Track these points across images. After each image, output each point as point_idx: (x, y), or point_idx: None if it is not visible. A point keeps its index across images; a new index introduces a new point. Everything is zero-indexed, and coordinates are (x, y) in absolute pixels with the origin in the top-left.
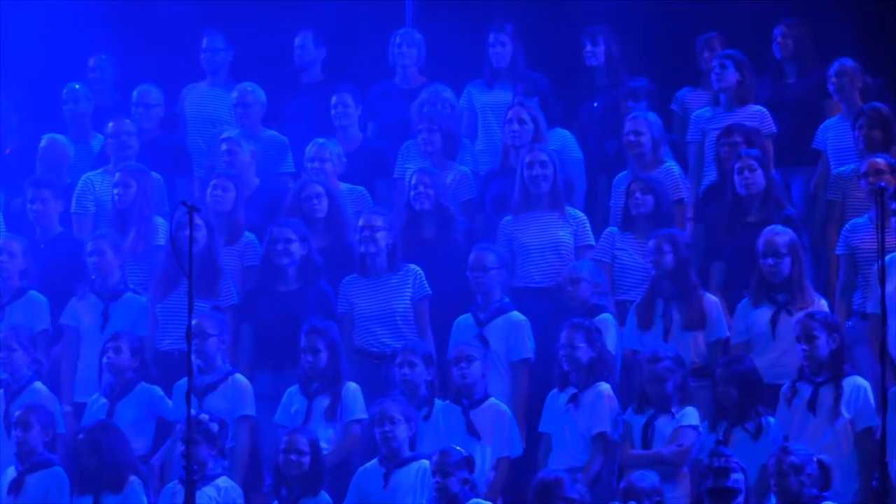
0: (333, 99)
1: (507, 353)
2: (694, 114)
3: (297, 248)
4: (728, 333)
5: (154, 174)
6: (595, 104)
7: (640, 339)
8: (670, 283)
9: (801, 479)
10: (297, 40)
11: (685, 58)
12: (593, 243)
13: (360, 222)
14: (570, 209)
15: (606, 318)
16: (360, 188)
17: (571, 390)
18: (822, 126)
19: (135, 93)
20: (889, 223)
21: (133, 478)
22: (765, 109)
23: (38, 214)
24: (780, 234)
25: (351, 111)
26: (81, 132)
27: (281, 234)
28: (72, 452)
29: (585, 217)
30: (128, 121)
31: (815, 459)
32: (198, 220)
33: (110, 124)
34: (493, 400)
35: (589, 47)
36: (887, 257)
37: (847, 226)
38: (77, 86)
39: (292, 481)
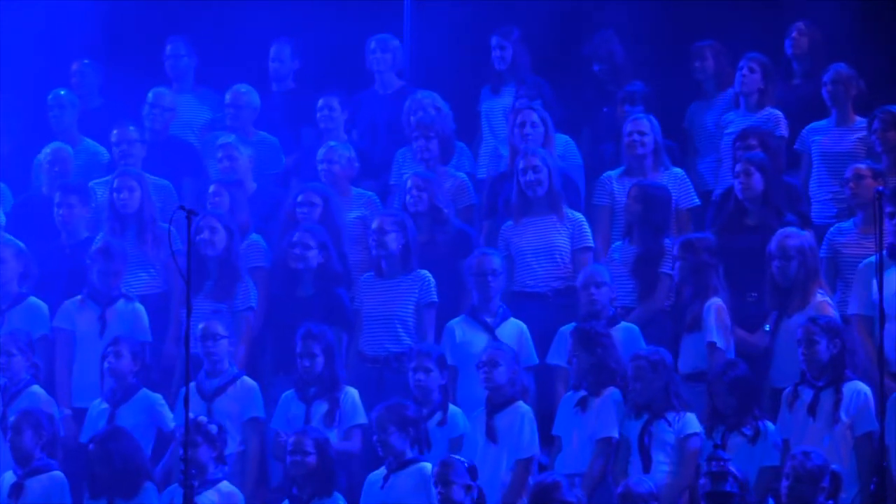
0: (320, 102)
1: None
2: (723, 118)
3: (313, 255)
4: (718, 340)
5: (162, 180)
6: (605, 109)
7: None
8: (692, 286)
9: (815, 488)
10: (272, 51)
11: (684, 63)
12: (591, 245)
13: (373, 225)
14: (569, 211)
15: (630, 328)
16: (370, 193)
17: (582, 394)
18: (807, 128)
19: (150, 94)
20: (885, 226)
21: (147, 483)
22: (780, 113)
23: (63, 219)
24: (792, 238)
25: (336, 115)
26: (69, 138)
27: (300, 240)
28: (73, 456)
29: (584, 218)
30: (132, 127)
31: (830, 470)
32: (215, 224)
33: (115, 132)
34: (518, 403)
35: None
36: (868, 260)
37: (833, 229)
38: (62, 92)
39: (302, 482)
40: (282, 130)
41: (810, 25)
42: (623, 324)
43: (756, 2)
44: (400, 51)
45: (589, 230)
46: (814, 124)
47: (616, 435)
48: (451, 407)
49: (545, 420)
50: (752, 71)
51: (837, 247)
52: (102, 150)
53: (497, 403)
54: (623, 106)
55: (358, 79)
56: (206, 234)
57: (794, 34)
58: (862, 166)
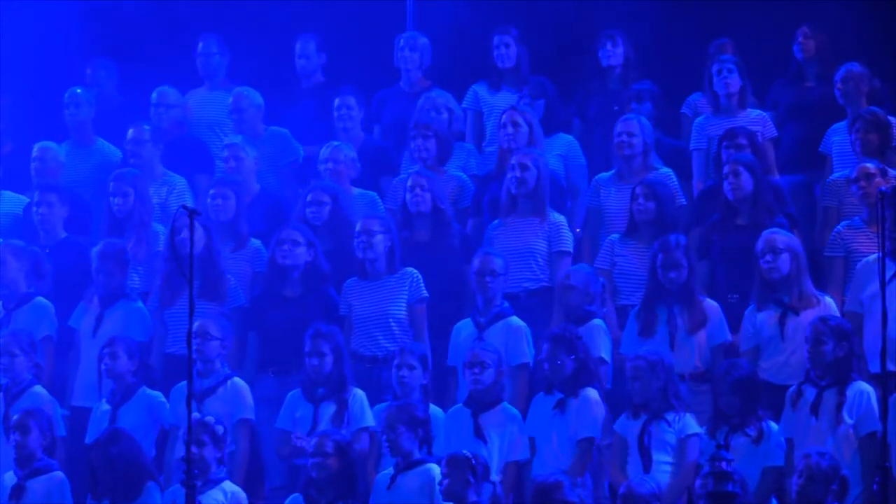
0: (336, 101)
1: (506, 357)
2: (696, 122)
3: (302, 252)
4: (730, 338)
5: (178, 177)
6: (615, 108)
7: (643, 346)
8: (678, 290)
9: (826, 489)
10: (298, 46)
11: (693, 62)
12: (569, 249)
13: (358, 227)
14: (552, 214)
15: (598, 325)
16: (372, 193)
17: (558, 395)
18: (829, 130)
19: (154, 94)
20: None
21: (150, 483)
22: (765, 113)
23: (42, 219)
24: (779, 234)
25: (354, 113)
26: (83, 137)
27: (288, 237)
28: (73, 457)
29: (565, 222)
30: (147, 127)
31: (841, 472)
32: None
33: (130, 131)
34: (504, 404)
35: (609, 47)
36: (868, 258)
37: (841, 227)
38: (79, 90)
39: (322, 485)
40: (315, 125)
41: (815, 28)
42: (592, 321)
43: (761, 2)
44: (428, 49)
45: (568, 234)
46: (835, 125)
47: (598, 435)
48: (432, 407)
49: None
50: (730, 72)
51: (851, 245)
52: (115, 150)
53: (482, 403)
54: (630, 104)
55: (360, 77)
56: (185, 234)
57: (801, 39)
58: (869, 165)
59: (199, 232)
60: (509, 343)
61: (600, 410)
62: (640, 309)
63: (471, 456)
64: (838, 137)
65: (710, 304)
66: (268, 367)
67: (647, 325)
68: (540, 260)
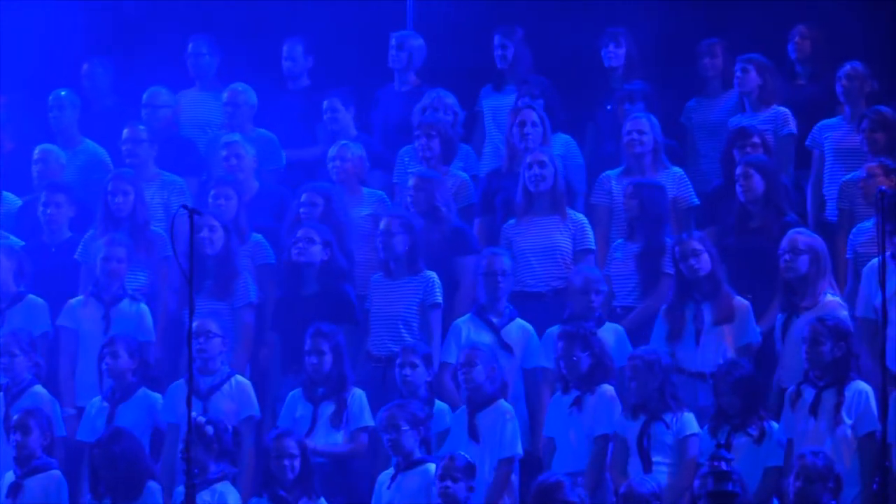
0: (325, 104)
1: (522, 359)
2: (730, 122)
3: (317, 250)
4: (759, 339)
5: (177, 177)
6: (609, 107)
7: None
8: (703, 281)
9: (824, 487)
10: (284, 49)
11: (689, 63)
12: (593, 247)
13: (381, 225)
14: (571, 212)
15: (617, 329)
16: (380, 192)
17: (574, 393)
18: (818, 125)
19: (145, 95)
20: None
21: (151, 483)
22: (787, 110)
23: (49, 218)
24: (803, 234)
25: (341, 115)
26: (68, 139)
27: (304, 235)
28: (73, 455)
29: (586, 220)
30: (142, 127)
31: (835, 470)
32: (213, 222)
33: (125, 130)
34: (500, 402)
35: (612, 48)
36: (874, 261)
37: (854, 230)
38: (63, 92)
39: (288, 485)
40: (299, 128)
41: (812, 28)
42: (608, 324)
43: (758, 1)
44: (421, 49)
45: (591, 232)
46: (825, 121)
47: (613, 431)
48: (438, 403)
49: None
50: (745, 71)
51: (857, 247)
52: (102, 150)
53: (478, 402)
54: (623, 105)
55: (359, 78)
56: (205, 233)
57: (797, 38)
58: (874, 164)
59: (218, 231)
60: (525, 345)
61: (617, 407)
62: (667, 309)
63: (469, 460)
64: (831, 133)
65: (741, 302)
66: (289, 366)
67: (675, 327)
68: (567, 258)
